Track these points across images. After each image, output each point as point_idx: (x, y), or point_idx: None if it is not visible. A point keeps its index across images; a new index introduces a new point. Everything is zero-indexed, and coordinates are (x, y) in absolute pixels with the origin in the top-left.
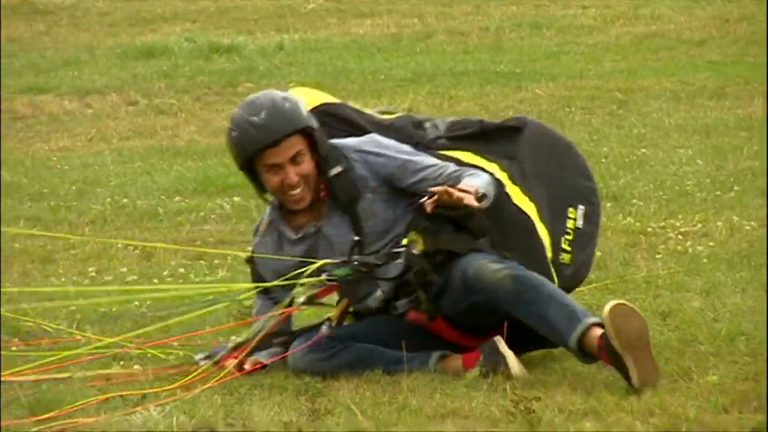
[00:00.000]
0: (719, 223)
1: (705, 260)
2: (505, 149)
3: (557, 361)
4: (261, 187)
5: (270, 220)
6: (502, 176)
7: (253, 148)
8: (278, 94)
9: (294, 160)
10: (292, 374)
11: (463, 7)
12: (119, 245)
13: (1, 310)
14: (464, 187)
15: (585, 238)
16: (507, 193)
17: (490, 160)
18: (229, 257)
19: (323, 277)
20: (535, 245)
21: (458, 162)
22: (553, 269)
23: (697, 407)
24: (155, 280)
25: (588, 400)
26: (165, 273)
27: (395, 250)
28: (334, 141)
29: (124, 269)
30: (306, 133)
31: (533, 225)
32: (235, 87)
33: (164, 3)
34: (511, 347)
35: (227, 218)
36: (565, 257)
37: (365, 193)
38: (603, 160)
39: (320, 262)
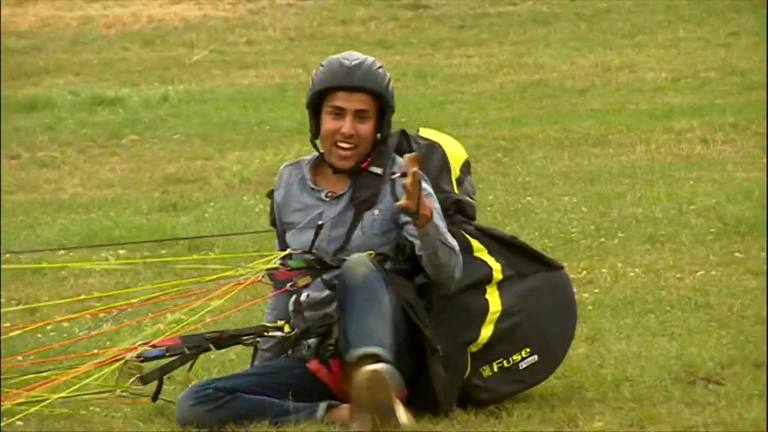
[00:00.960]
0: (604, 270)
1: (590, 307)
2: (522, 268)
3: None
4: (316, 132)
5: (303, 159)
6: (496, 276)
7: (330, 84)
8: (374, 60)
9: (359, 114)
10: (178, 426)
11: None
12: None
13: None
14: (424, 205)
15: (513, 378)
16: (484, 288)
17: (497, 260)
18: (114, 311)
19: (277, 263)
20: (469, 327)
21: (467, 247)
22: (468, 368)
23: None
24: (39, 335)
25: None
26: (49, 328)
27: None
28: (395, 153)
29: (8, 324)
30: (381, 103)
31: (484, 316)
32: (119, 139)
33: (47, 55)
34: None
35: (112, 271)
36: (486, 372)
37: (378, 205)
38: (488, 209)
39: (284, 253)
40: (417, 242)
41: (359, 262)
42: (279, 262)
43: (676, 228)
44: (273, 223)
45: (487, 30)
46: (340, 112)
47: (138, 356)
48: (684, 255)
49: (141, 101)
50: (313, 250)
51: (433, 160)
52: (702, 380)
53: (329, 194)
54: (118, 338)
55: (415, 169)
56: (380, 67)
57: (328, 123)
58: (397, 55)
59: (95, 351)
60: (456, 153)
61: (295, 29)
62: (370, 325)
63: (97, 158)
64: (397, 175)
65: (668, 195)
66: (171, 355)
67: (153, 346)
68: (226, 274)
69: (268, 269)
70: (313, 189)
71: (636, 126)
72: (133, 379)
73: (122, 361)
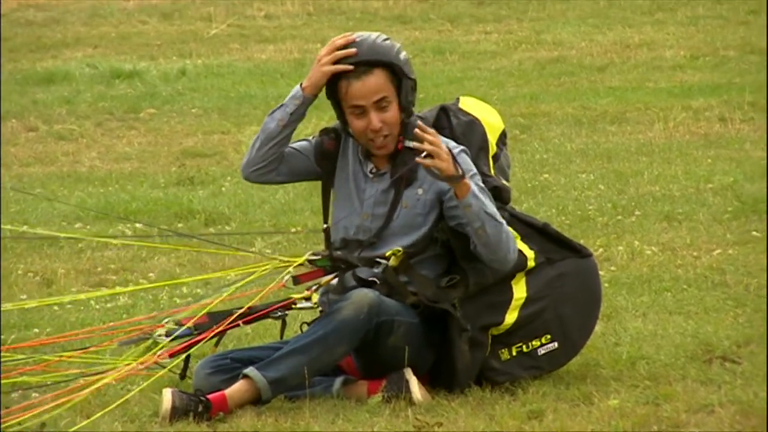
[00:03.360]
0: (620, 248)
1: (606, 285)
2: (552, 253)
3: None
4: (343, 121)
5: None
6: (529, 264)
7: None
8: (379, 34)
9: (379, 104)
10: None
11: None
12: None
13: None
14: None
15: (530, 363)
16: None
17: (530, 248)
18: (130, 283)
19: (303, 259)
20: (494, 313)
21: None
22: (488, 348)
23: (598, 431)
24: (55, 308)
25: (490, 425)
26: (66, 300)
27: (377, 258)
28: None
29: (24, 296)
30: (395, 74)
31: (509, 302)
32: (137, 113)
33: (65, 28)
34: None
35: (129, 245)
36: (504, 355)
37: (420, 184)
38: None
39: (302, 258)
40: (463, 220)
41: (356, 303)
42: (306, 258)
43: (693, 206)
44: (324, 158)
45: (506, 6)
46: (361, 111)
47: (166, 334)
48: (701, 233)
49: (159, 75)
50: (337, 253)
51: (472, 138)
52: (718, 359)
53: (373, 170)
54: (135, 311)
55: (429, 131)
56: (386, 38)
57: (355, 123)
58: (416, 31)
59: (111, 323)
60: (494, 125)
61: (314, 4)
62: (289, 360)
63: (115, 132)
64: (412, 144)
65: (686, 173)
66: (199, 333)
67: (180, 324)
68: (251, 270)
69: (291, 272)
70: (361, 160)
71: (654, 104)
72: (160, 352)
73: (150, 340)
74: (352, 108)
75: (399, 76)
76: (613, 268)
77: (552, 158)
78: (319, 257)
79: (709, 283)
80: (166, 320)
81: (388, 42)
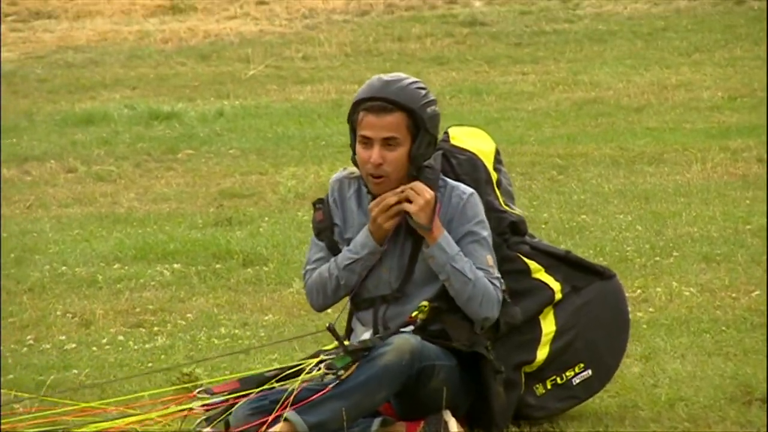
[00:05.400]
0: (658, 289)
1: (644, 326)
2: (576, 281)
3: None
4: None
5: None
6: (557, 297)
7: (365, 94)
8: (418, 81)
9: (386, 142)
10: None
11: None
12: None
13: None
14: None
15: (566, 394)
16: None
17: (556, 280)
18: (168, 324)
19: (322, 370)
20: (525, 350)
21: (525, 270)
22: (522, 387)
23: None
24: (94, 348)
25: None
26: (104, 341)
27: (402, 329)
28: (444, 177)
29: (63, 337)
30: (415, 121)
31: (539, 339)
32: (175, 154)
33: (104, 70)
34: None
35: (167, 285)
36: (540, 390)
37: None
38: (543, 226)
39: (315, 361)
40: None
41: (398, 349)
42: (324, 370)
43: (731, 247)
44: (321, 232)
45: (543, 47)
46: (368, 142)
47: (202, 405)
48: (739, 275)
49: (197, 116)
50: (353, 344)
51: (476, 175)
52: (757, 401)
53: None
54: (173, 352)
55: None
56: (422, 87)
57: (359, 152)
58: (453, 72)
59: (150, 364)
60: (486, 151)
61: (351, 45)
62: (330, 405)
63: (153, 172)
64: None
65: (724, 214)
66: (233, 398)
67: (212, 393)
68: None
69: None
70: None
71: (692, 145)
72: (199, 420)
73: (186, 410)
74: (361, 137)
75: (418, 125)
76: (651, 309)
77: (589, 199)
78: (333, 356)
79: (748, 325)
80: (198, 390)
81: (421, 91)
